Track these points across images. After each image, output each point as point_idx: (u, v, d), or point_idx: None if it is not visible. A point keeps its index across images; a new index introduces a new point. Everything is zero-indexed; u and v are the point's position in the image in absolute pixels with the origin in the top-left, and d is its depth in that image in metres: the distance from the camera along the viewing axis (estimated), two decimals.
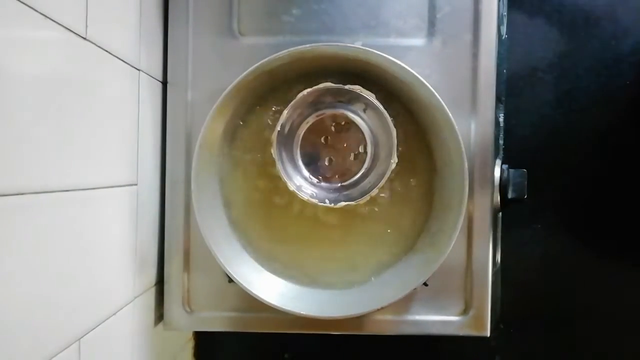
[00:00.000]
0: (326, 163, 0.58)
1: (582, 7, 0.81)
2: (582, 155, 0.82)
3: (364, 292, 0.57)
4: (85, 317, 0.43)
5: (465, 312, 0.58)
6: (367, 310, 0.54)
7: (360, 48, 0.52)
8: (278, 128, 0.53)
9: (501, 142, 0.63)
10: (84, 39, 0.41)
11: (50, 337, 0.38)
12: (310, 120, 0.57)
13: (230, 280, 0.54)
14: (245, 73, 0.52)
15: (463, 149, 0.52)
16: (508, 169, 0.59)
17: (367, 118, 0.57)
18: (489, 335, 0.58)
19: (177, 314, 0.59)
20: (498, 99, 0.59)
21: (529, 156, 0.81)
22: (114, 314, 0.49)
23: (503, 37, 0.62)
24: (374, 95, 0.54)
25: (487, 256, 0.58)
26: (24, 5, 0.34)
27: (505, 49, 0.63)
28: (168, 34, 0.58)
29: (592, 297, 0.82)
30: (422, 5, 0.58)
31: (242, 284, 0.53)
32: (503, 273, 0.68)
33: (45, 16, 0.36)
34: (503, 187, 0.59)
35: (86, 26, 0.42)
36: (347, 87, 0.54)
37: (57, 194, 0.38)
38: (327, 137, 0.57)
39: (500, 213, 0.65)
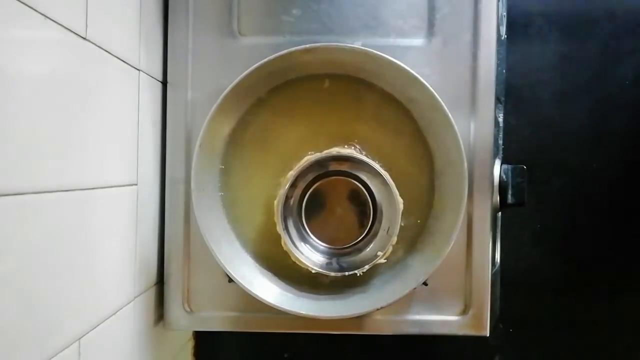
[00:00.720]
0: (330, 226, 0.57)
1: (582, 7, 0.81)
2: (582, 155, 0.82)
3: (363, 292, 0.57)
4: (85, 317, 0.43)
5: (464, 311, 0.58)
6: (367, 310, 0.54)
7: (360, 48, 0.52)
8: (282, 201, 0.53)
9: (501, 142, 0.63)
10: (84, 39, 0.42)
11: (50, 337, 0.38)
12: (315, 185, 0.56)
13: (230, 280, 0.54)
14: (245, 73, 0.52)
15: (463, 149, 0.52)
16: (508, 169, 0.59)
17: (372, 185, 0.56)
18: (488, 334, 0.58)
19: (177, 313, 0.59)
20: (497, 99, 0.59)
21: (529, 156, 0.81)
22: (114, 314, 0.49)
23: (502, 37, 0.62)
24: (377, 164, 0.54)
25: (487, 256, 0.58)
26: (24, 5, 0.34)
27: (504, 49, 0.63)
28: (168, 34, 0.58)
29: (592, 297, 0.82)
30: (421, 5, 0.58)
31: (242, 284, 0.53)
32: (503, 273, 0.68)
33: (45, 16, 0.36)
34: (502, 189, 0.58)
35: (86, 26, 0.42)
36: (355, 156, 0.54)
37: (57, 194, 0.38)
38: (331, 200, 0.57)
39: (500, 213, 0.65)
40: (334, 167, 0.56)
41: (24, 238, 0.34)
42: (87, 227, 0.43)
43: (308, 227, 0.57)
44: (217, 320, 0.59)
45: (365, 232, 0.57)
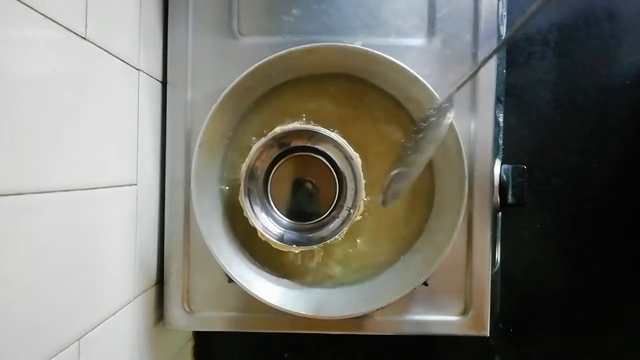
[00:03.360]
0: (296, 202, 0.58)
1: (582, 7, 0.81)
2: (582, 155, 0.82)
3: (364, 292, 0.57)
4: (85, 317, 0.43)
5: (465, 312, 0.58)
6: (367, 310, 0.54)
7: (360, 48, 0.52)
8: (245, 192, 0.54)
9: (501, 142, 0.63)
10: (84, 39, 0.42)
11: (50, 337, 0.38)
12: (282, 160, 0.57)
13: (230, 280, 0.54)
14: (245, 73, 0.52)
15: (463, 149, 0.52)
16: (508, 169, 0.59)
17: (337, 158, 0.57)
18: (488, 335, 0.58)
19: (177, 314, 0.59)
20: (497, 99, 0.59)
21: (528, 156, 0.81)
22: (114, 314, 0.49)
23: (502, 37, 0.62)
24: (341, 139, 0.54)
25: (487, 256, 0.58)
26: (24, 5, 0.34)
27: (504, 49, 0.63)
28: (168, 34, 0.58)
29: (592, 296, 0.82)
30: (422, 5, 0.58)
31: (242, 284, 0.53)
32: (503, 273, 0.68)
33: (45, 16, 0.36)
34: (502, 189, 0.59)
35: (86, 26, 0.42)
36: (308, 128, 0.54)
37: (57, 193, 0.38)
38: (297, 176, 0.58)
39: (500, 213, 0.65)
40: (293, 143, 0.56)
41: (23, 238, 0.34)
42: (87, 227, 0.43)
43: (279, 210, 0.58)
44: (217, 320, 0.59)
45: (336, 199, 0.57)
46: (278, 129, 0.54)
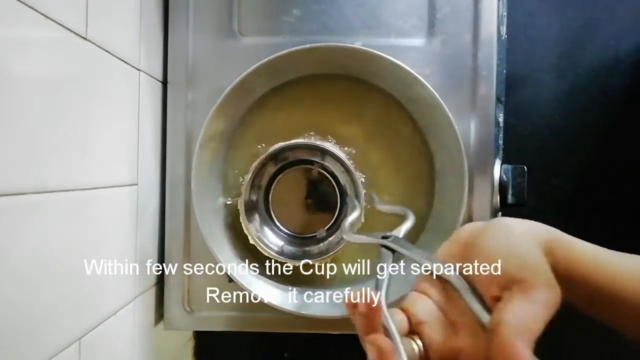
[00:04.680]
0: (297, 215, 0.58)
1: (582, 7, 0.81)
2: (581, 155, 0.82)
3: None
4: (85, 317, 0.43)
5: None
6: None
7: (360, 48, 0.52)
8: (243, 207, 0.54)
9: (501, 142, 0.63)
10: (84, 39, 0.42)
11: (50, 337, 0.38)
12: (283, 173, 0.58)
13: (230, 280, 0.54)
14: (245, 73, 0.52)
15: (463, 149, 0.52)
16: (508, 169, 0.59)
17: (332, 166, 0.57)
18: None
19: (177, 313, 0.59)
20: (497, 99, 0.59)
21: (529, 156, 0.81)
22: (114, 314, 0.49)
23: (503, 37, 0.62)
24: (344, 155, 0.55)
25: None
26: (24, 5, 0.34)
27: (504, 49, 0.63)
28: (168, 34, 0.58)
29: None
30: (421, 5, 0.58)
31: (242, 284, 0.53)
32: None
33: (45, 16, 0.36)
34: (502, 189, 0.59)
35: (86, 26, 0.42)
36: (297, 142, 0.55)
37: (57, 193, 0.38)
38: (299, 188, 0.58)
39: (500, 213, 0.65)
40: (293, 156, 0.57)
41: (24, 238, 0.34)
42: (88, 227, 0.43)
43: (280, 222, 0.58)
44: (217, 320, 0.59)
45: (337, 211, 0.58)
46: (277, 146, 0.55)
